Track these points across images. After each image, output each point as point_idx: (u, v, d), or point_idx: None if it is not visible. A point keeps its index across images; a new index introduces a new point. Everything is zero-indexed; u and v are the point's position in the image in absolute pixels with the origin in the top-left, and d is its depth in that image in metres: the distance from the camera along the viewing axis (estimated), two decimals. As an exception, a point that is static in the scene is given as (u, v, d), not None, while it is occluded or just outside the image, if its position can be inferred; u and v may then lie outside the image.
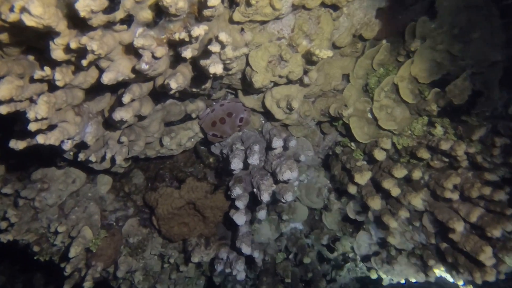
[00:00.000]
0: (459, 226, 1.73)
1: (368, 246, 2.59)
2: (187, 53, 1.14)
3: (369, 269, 2.94)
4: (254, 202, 2.22)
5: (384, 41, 1.93)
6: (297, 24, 1.54)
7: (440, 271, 2.29)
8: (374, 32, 1.82)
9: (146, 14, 1.13)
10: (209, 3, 1.08)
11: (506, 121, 1.78)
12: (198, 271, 2.68)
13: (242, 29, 1.50)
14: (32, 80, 1.12)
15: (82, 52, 1.05)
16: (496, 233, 1.64)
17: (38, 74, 1.06)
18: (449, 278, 2.24)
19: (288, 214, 2.58)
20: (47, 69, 1.07)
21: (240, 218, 1.90)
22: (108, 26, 1.09)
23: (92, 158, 1.56)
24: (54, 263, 2.21)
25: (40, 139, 1.15)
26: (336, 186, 2.40)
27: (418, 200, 1.87)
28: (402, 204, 1.98)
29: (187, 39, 1.11)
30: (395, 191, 1.87)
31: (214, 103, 1.98)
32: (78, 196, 2.19)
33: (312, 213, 2.75)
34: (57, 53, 1.04)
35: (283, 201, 1.80)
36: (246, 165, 1.84)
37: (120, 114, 1.27)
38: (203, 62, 1.23)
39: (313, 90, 1.90)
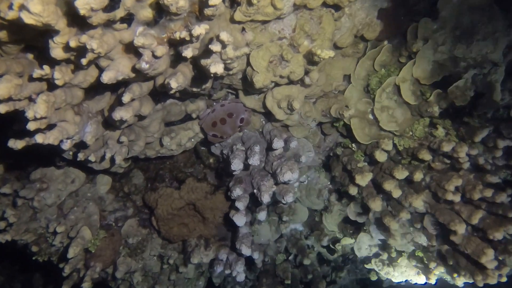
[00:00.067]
0: (460, 228, 1.72)
1: (368, 248, 2.58)
2: (188, 52, 1.13)
3: (369, 271, 2.92)
4: (254, 203, 2.21)
5: (385, 42, 1.92)
6: (298, 24, 1.53)
7: (440, 274, 2.28)
8: (376, 32, 1.81)
9: (147, 13, 1.12)
10: (210, 2, 1.07)
11: (509, 123, 1.77)
12: (197, 272, 2.66)
13: (243, 29, 1.49)
14: (31, 79, 1.11)
15: (81, 50, 1.04)
16: (498, 235, 1.63)
17: (37, 72, 1.05)
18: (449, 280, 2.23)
19: (288, 215, 2.57)
20: (46, 68, 1.06)
21: (240, 219, 1.89)
22: (108, 24, 1.08)
23: (92, 158, 1.55)
24: (53, 263, 2.20)
25: (39, 138, 1.14)
26: (337, 187, 2.39)
27: (419, 202, 1.86)
28: (403, 205, 1.97)
29: (187, 38, 1.10)
30: (396, 193, 1.86)
31: (214, 103, 1.97)
32: (77, 196, 2.18)
33: (312, 214, 2.74)
34: (57, 52, 1.03)
35: (284, 202, 1.79)
36: (246, 166, 1.83)
37: (120, 114, 1.26)
38: (203, 62, 1.22)
39: (314, 91, 1.89)
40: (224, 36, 1.12)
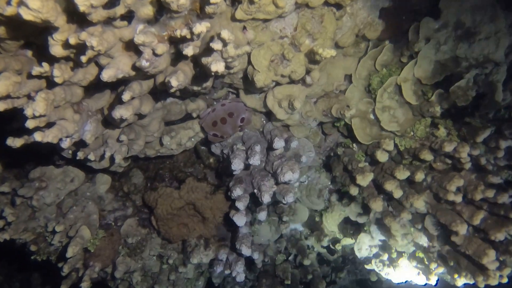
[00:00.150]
0: (462, 229, 1.71)
1: (369, 248, 2.57)
2: (189, 50, 1.12)
3: (369, 271, 2.91)
4: (254, 203, 2.21)
5: (387, 42, 1.91)
6: (300, 23, 1.52)
7: (440, 274, 2.27)
8: (377, 32, 1.80)
9: (147, 10, 1.11)
10: (212, 0, 1.06)
11: (511, 123, 1.76)
12: (197, 272, 2.65)
13: (244, 28, 1.48)
14: (30, 77, 1.10)
15: (81, 48, 1.03)
16: (500, 236, 1.62)
17: (36, 70, 1.04)
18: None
19: (289, 216, 2.56)
20: (45, 65, 1.05)
21: (240, 219, 1.88)
22: (108, 22, 1.07)
23: (91, 157, 1.54)
24: (52, 262, 2.19)
25: (38, 136, 1.13)
26: (337, 187, 2.38)
27: (420, 202, 1.85)
28: (404, 206, 1.96)
29: (188, 36, 1.09)
30: (397, 193, 1.85)
31: (215, 103, 1.96)
32: (76, 195, 2.17)
33: (312, 214, 2.73)
34: (56, 49, 1.02)
35: (284, 202, 1.78)
36: (246, 166, 1.82)
37: (119, 112, 1.26)
38: (204, 60, 1.21)
39: (315, 91, 1.88)
40: (225, 34, 1.11)
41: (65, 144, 1.27)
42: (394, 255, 2.43)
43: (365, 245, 2.55)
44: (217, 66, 1.16)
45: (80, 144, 1.50)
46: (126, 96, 1.21)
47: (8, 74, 1.03)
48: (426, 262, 2.26)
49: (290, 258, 2.96)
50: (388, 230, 2.16)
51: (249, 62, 1.58)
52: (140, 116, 1.60)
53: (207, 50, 1.20)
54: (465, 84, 1.77)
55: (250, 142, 1.95)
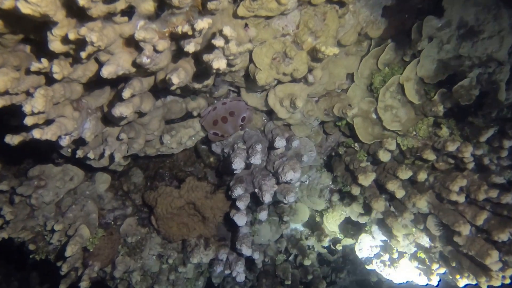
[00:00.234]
0: (465, 229, 1.70)
1: (369, 249, 2.56)
2: (190, 47, 1.10)
3: (370, 272, 2.90)
4: (254, 203, 2.19)
5: (389, 40, 1.89)
6: (302, 21, 1.51)
7: (442, 276, 2.26)
8: (380, 30, 1.79)
9: (148, 6, 1.09)
10: (214, -5, 1.05)
11: (515, 123, 1.75)
12: (197, 272, 2.64)
13: (246, 25, 1.46)
14: (29, 73, 1.08)
15: (81, 44, 1.01)
16: (504, 237, 1.61)
17: (35, 66, 1.02)
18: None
19: (289, 215, 2.55)
20: (44, 61, 1.03)
21: (240, 219, 1.87)
22: (108, 17, 1.05)
23: (91, 155, 1.52)
24: (50, 262, 2.17)
25: (37, 133, 1.11)
26: (339, 187, 2.37)
27: (423, 203, 1.84)
28: (406, 206, 1.95)
29: (190, 32, 1.08)
30: (400, 193, 1.83)
31: (216, 101, 1.94)
32: (75, 194, 2.16)
33: (313, 214, 2.72)
34: (55, 45, 1.00)
35: (285, 202, 1.76)
36: (247, 165, 1.80)
37: (119, 110, 1.24)
38: (206, 57, 1.20)
39: (317, 89, 1.87)
40: (227, 30, 1.09)
41: (64, 142, 1.25)
42: (395, 256, 2.41)
43: (366, 245, 2.54)
44: (219, 63, 1.15)
45: (80, 142, 1.48)
46: (126, 94, 1.19)
47: (6, 70, 1.01)
48: (428, 263, 2.25)
49: (291, 258, 2.94)
50: (390, 231, 2.15)
51: (251, 60, 1.56)
52: (140, 114, 1.59)
53: (209, 47, 1.19)
54: (468, 83, 1.76)
55: (251, 141, 1.93)
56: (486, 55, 1.76)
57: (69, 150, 1.67)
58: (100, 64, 1.18)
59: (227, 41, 1.14)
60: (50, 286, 3.50)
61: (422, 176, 1.83)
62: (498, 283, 1.77)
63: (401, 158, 2.02)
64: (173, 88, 1.26)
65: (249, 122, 1.97)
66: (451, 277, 2.16)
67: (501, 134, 1.79)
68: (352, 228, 2.57)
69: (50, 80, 1.15)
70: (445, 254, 2.07)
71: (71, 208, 2.09)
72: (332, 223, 2.62)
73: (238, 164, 1.72)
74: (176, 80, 1.21)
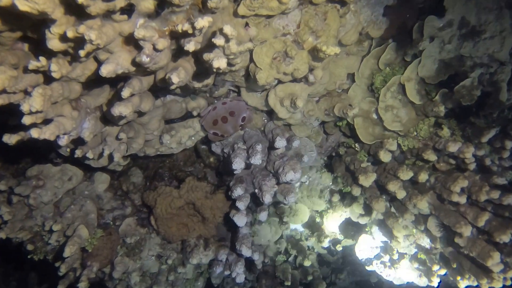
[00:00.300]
0: (466, 231, 1.69)
1: (370, 250, 2.55)
2: (190, 46, 1.09)
3: (370, 272, 2.89)
4: (254, 203, 2.18)
5: (390, 40, 1.88)
6: (303, 20, 1.50)
7: (443, 277, 2.25)
8: (381, 30, 1.78)
9: (148, 4, 1.08)
10: (214, -6, 1.04)
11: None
12: (196, 272, 2.62)
13: (247, 24, 1.45)
14: (27, 71, 1.07)
15: (79, 42, 1.00)
16: (505, 238, 1.60)
17: (33, 64, 1.01)
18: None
19: (289, 216, 2.54)
20: (42, 60, 1.02)
21: (240, 219, 1.86)
22: (108, 15, 1.04)
23: (89, 155, 1.51)
24: (49, 262, 2.16)
25: (35, 133, 1.10)
26: (339, 188, 2.36)
27: (424, 203, 1.83)
28: (407, 207, 1.94)
29: (190, 31, 1.07)
30: (401, 194, 1.82)
31: (216, 101, 1.93)
32: (74, 194, 2.14)
33: (313, 215, 2.71)
34: (53, 43, 0.99)
35: (285, 202, 1.75)
36: (247, 165, 1.79)
37: (119, 109, 1.23)
38: (206, 56, 1.19)
39: (317, 89, 1.86)
40: (227, 29, 1.08)
41: (63, 141, 1.24)
42: (396, 257, 2.40)
43: (366, 246, 2.53)
44: (219, 62, 1.14)
45: (78, 141, 1.47)
46: (125, 93, 1.18)
47: (4, 68, 1.00)
48: (428, 264, 2.24)
49: (290, 259, 2.93)
50: (390, 231, 2.14)
51: (251, 60, 1.55)
52: (140, 114, 1.58)
53: (209, 46, 1.17)
54: (470, 83, 1.75)
55: (251, 141, 1.92)
56: (488, 55, 1.75)
57: (68, 149, 1.65)
58: (99, 63, 1.16)
59: (227, 40, 1.13)
60: (49, 287, 3.49)
61: (423, 176, 1.82)
62: (499, 285, 1.76)
63: (402, 158, 2.01)
64: (173, 87, 1.25)
65: (249, 122, 1.95)
66: (451, 279, 2.15)
67: (503, 134, 1.78)
68: (352, 229, 2.56)
69: (48, 79, 1.14)
70: (446, 256, 2.06)
71: (70, 208, 2.08)
72: (332, 224, 2.61)
73: (238, 164, 1.71)
74: (176, 79, 1.19)
